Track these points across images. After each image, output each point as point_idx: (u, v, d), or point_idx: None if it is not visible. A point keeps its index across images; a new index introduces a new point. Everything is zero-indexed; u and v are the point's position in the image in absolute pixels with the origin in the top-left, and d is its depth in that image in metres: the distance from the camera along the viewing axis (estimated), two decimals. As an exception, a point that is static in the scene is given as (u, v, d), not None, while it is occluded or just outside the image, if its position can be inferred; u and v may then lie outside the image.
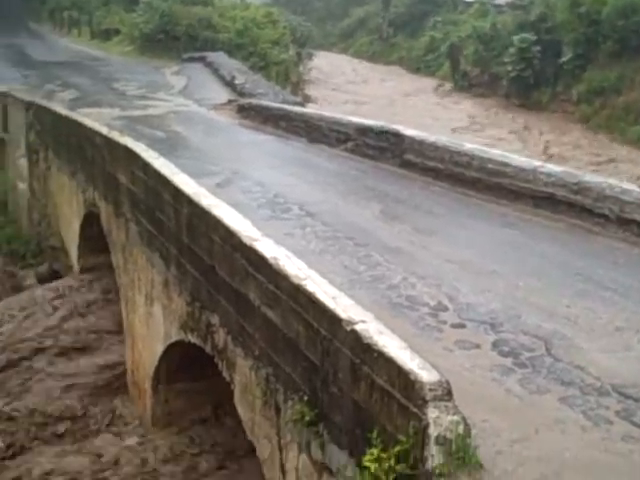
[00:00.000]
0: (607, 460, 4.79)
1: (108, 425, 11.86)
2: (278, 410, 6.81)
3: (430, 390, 4.70)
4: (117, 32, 36.66)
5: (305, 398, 6.21)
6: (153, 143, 13.19)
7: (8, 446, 11.40)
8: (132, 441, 11.27)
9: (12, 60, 30.10)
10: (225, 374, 8.20)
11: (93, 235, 15.14)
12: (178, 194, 9.26)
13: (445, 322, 6.75)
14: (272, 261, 6.70)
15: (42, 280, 18.71)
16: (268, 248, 7.03)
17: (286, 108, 17.85)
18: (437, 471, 4.47)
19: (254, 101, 19.76)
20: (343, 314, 5.62)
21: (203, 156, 14.23)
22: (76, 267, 16.57)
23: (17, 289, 17.92)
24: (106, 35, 37.32)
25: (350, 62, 59.44)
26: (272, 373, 6.92)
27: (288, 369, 6.57)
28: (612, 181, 9.66)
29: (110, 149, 13.04)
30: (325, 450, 6.00)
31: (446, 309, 7.02)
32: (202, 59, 28.91)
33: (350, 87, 47.25)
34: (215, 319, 8.37)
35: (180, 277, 9.54)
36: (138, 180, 11.16)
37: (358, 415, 5.46)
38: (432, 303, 7.14)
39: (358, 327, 5.44)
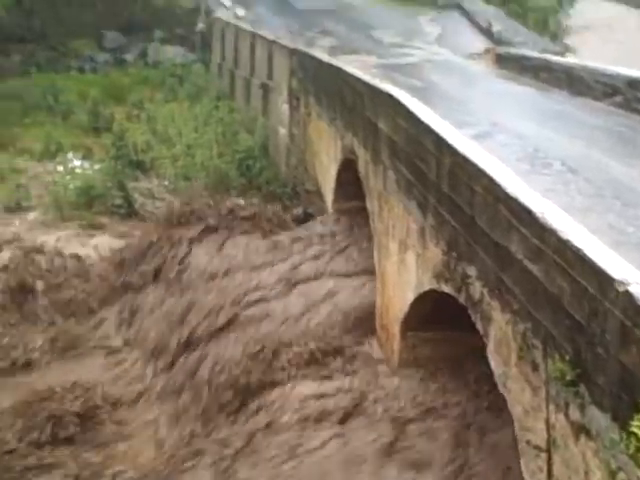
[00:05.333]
0: None
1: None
2: (535, 366, 6.74)
3: None
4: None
5: (567, 357, 6.10)
6: (409, 92, 13.26)
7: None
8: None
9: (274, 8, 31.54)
10: (479, 326, 8.21)
11: (348, 181, 15.67)
12: (441, 143, 9.29)
13: None
14: (538, 214, 6.59)
15: (297, 221, 19.72)
16: (534, 201, 6.92)
17: (547, 58, 17.26)
18: None
19: (512, 50, 19.28)
20: (616, 273, 5.43)
21: (459, 106, 14.12)
22: (330, 211, 17.25)
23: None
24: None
25: (628, 12, 54.61)
26: (530, 328, 6.83)
27: (548, 326, 6.46)
28: None
29: (372, 96, 13.31)
30: (585, 411, 5.87)
31: None
32: (457, 5, 28.63)
33: (621, 37, 43.67)
34: (472, 270, 8.38)
35: (437, 227, 9.61)
36: (399, 128, 11.31)
37: (625, 379, 5.28)
38: None
39: (632, 288, 5.23)
